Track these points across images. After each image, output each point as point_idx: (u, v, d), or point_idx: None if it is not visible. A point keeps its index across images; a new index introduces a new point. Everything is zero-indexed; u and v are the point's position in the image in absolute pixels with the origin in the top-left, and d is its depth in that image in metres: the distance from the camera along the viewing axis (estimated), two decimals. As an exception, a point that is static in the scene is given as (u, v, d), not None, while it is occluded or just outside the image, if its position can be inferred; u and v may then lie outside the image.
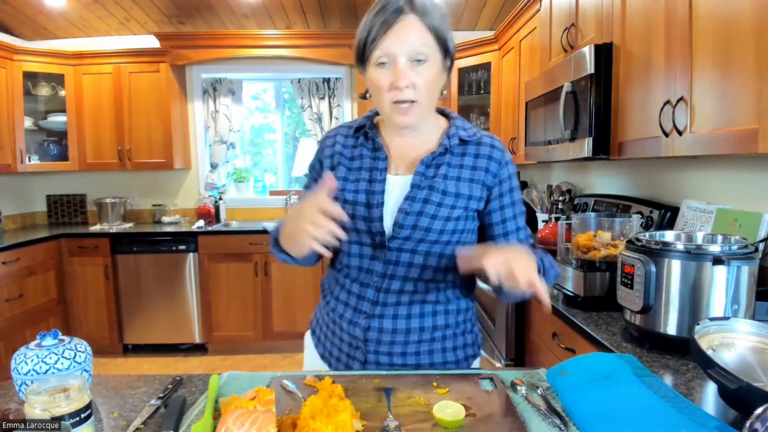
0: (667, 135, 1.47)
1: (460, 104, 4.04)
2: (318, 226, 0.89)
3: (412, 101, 1.01)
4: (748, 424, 0.67)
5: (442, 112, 1.17)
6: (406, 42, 0.98)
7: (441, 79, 1.06)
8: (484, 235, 1.15)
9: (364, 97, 1.14)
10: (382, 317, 1.10)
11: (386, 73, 1.00)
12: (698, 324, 0.98)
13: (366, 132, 1.15)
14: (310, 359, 1.26)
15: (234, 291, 3.76)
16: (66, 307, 3.78)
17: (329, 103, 4.31)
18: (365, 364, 1.12)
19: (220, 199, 4.26)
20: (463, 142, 1.11)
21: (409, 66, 0.99)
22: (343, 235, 0.90)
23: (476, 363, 1.22)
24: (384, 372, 1.05)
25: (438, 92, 1.07)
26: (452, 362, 1.15)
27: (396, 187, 1.09)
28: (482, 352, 2.36)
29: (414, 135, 1.11)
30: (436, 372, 1.04)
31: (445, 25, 1.04)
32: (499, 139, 1.14)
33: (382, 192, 1.08)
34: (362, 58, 1.04)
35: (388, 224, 1.07)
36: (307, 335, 1.30)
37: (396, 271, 1.09)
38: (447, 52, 1.05)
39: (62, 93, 3.98)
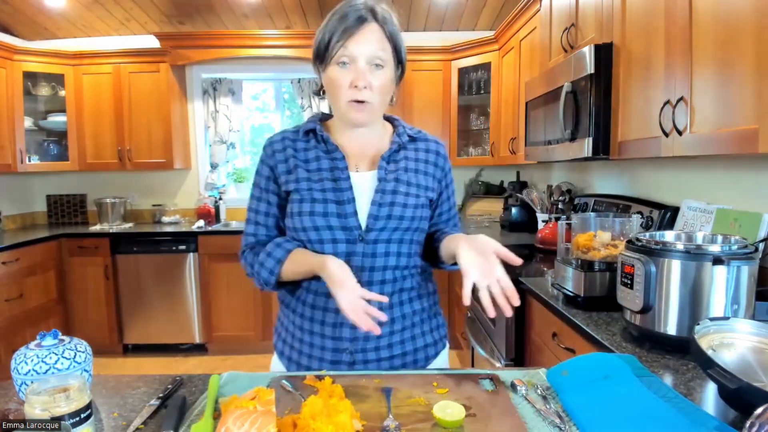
0: (667, 135, 1.47)
1: (460, 104, 4.05)
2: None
3: (367, 102, 1.09)
4: (748, 424, 0.67)
5: (387, 119, 1.26)
6: (368, 46, 1.07)
7: (393, 85, 1.15)
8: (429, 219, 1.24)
9: (318, 93, 1.21)
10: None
11: (346, 73, 1.08)
12: (698, 324, 0.98)
13: (317, 134, 1.18)
14: None
15: (234, 291, 3.77)
16: (66, 307, 3.78)
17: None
18: (353, 365, 1.13)
19: (220, 199, 4.26)
20: (411, 139, 1.22)
21: (368, 69, 1.08)
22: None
23: (447, 342, 1.29)
24: (383, 372, 1.05)
25: (389, 97, 1.16)
26: (431, 344, 1.22)
27: (361, 183, 1.15)
28: (482, 351, 2.36)
29: (364, 135, 1.19)
30: (435, 372, 1.04)
31: (400, 35, 1.13)
32: (439, 138, 1.29)
33: (350, 188, 1.13)
34: (323, 57, 1.11)
35: (361, 218, 1.12)
36: (274, 360, 1.25)
37: (375, 262, 1.12)
38: (400, 61, 1.15)
39: (62, 93, 3.99)
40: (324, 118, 1.25)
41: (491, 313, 0.97)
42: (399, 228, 1.13)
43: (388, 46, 1.09)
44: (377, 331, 0.97)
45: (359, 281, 1.11)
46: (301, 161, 1.16)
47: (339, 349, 1.13)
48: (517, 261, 1.03)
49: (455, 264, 1.10)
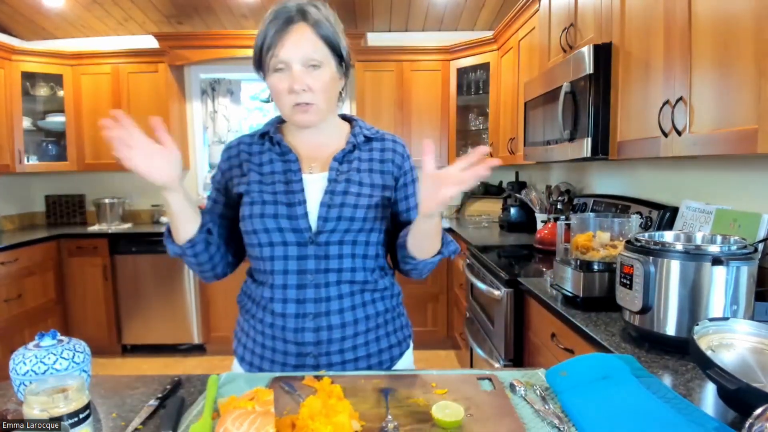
0: (666, 135, 1.47)
1: (459, 104, 4.05)
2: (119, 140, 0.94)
3: (311, 103, 1.08)
4: (747, 424, 0.67)
5: (344, 118, 1.25)
6: (299, 49, 1.05)
7: (337, 82, 1.14)
8: (393, 222, 1.22)
9: (267, 101, 1.20)
10: (329, 314, 1.11)
11: (284, 78, 1.07)
12: (697, 324, 0.98)
13: (271, 137, 1.18)
14: None
15: (233, 291, 3.70)
16: (65, 308, 3.77)
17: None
18: (317, 369, 1.12)
19: (219, 199, 4.25)
20: (367, 139, 1.20)
21: (304, 71, 1.06)
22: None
23: (411, 342, 1.29)
24: (383, 372, 1.05)
25: (335, 95, 1.15)
26: (395, 344, 1.22)
27: (313, 185, 1.13)
28: (481, 352, 2.35)
29: (318, 136, 1.18)
30: (434, 372, 1.04)
31: (336, 33, 1.10)
32: (398, 137, 1.25)
33: (302, 190, 1.12)
34: (260, 65, 1.11)
35: (312, 220, 1.10)
36: (235, 365, 1.24)
37: (329, 264, 1.11)
38: (341, 58, 1.12)
39: (61, 93, 3.98)
40: (281, 120, 1.23)
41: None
42: (350, 229, 1.11)
43: (321, 45, 1.07)
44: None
45: (316, 283, 1.11)
46: (254, 165, 1.17)
47: (302, 353, 1.12)
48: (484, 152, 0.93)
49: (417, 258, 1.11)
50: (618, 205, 2.29)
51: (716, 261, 1.10)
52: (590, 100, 1.88)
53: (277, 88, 1.08)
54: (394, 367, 1.21)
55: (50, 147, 4.08)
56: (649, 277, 1.18)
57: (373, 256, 1.17)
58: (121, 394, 0.96)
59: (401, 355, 1.23)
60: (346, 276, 1.13)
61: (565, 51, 2.26)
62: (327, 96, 1.10)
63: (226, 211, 1.21)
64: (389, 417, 0.83)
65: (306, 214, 1.10)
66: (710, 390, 0.96)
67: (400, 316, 1.26)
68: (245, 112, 4.61)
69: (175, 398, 0.91)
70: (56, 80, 3.97)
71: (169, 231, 1.13)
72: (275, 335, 1.13)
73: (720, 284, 1.11)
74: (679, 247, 1.17)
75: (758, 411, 0.68)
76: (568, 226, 1.71)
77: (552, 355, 1.66)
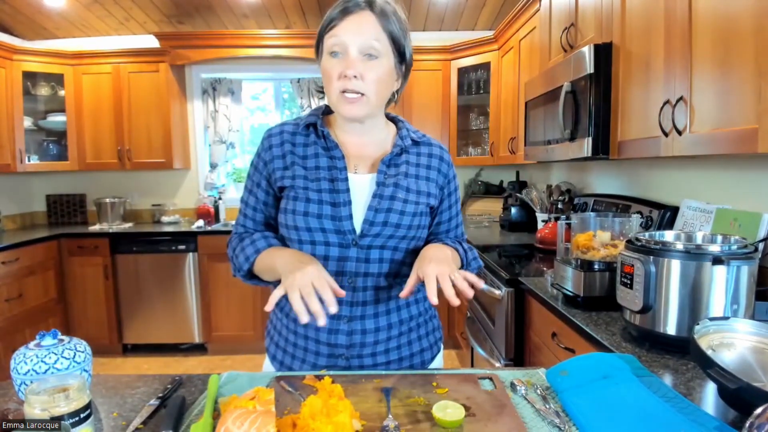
0: (666, 135, 1.47)
1: (460, 104, 4.05)
2: (314, 289, 0.92)
3: (360, 93, 1.04)
4: (747, 424, 0.67)
5: (390, 119, 1.22)
6: (359, 34, 1.02)
7: (392, 80, 1.10)
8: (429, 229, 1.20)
9: (321, 91, 1.17)
10: (364, 318, 1.10)
11: (337, 63, 1.03)
12: (698, 324, 0.98)
13: (318, 130, 1.13)
14: None
15: (233, 291, 3.76)
16: (65, 307, 3.78)
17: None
18: (348, 369, 1.10)
19: (220, 198, 4.25)
20: (414, 143, 1.18)
21: (360, 59, 1.03)
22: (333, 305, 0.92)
23: (441, 345, 1.28)
24: (383, 372, 1.04)
25: (388, 93, 1.10)
26: (427, 348, 1.20)
27: (359, 186, 1.10)
28: (482, 351, 2.36)
29: (364, 134, 1.15)
30: (435, 371, 1.04)
31: (403, 32, 1.07)
32: (444, 144, 1.22)
33: (347, 190, 1.08)
34: (317, 46, 1.08)
35: (356, 222, 1.08)
36: (266, 364, 1.22)
37: (368, 268, 1.10)
38: (402, 57, 1.09)
39: (62, 93, 3.99)
40: (327, 111, 1.19)
41: (454, 301, 0.94)
42: (395, 235, 1.09)
43: (383, 37, 1.03)
44: (321, 321, 0.90)
45: (353, 286, 1.09)
46: (298, 157, 1.12)
47: (334, 354, 1.11)
48: (478, 284, 0.98)
49: None
50: (618, 205, 2.29)
51: (717, 260, 1.10)
52: (591, 99, 1.88)
53: (328, 71, 1.04)
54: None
55: (51, 146, 4.09)
56: (650, 277, 1.18)
57: (410, 263, 1.11)
58: (122, 394, 0.96)
59: (432, 359, 1.21)
60: (383, 281, 1.11)
61: (565, 51, 2.26)
62: (379, 90, 1.05)
63: (272, 211, 1.16)
64: (390, 416, 0.83)
65: (351, 216, 1.07)
66: (711, 389, 0.96)
67: (433, 319, 1.24)
68: (246, 111, 4.61)
69: (175, 398, 0.91)
70: (57, 80, 3.98)
71: (250, 269, 1.11)
72: (308, 335, 1.12)
73: (720, 284, 1.11)
74: (680, 246, 1.17)
75: (759, 410, 0.68)
76: (568, 225, 1.71)
77: (553, 354, 1.66)
